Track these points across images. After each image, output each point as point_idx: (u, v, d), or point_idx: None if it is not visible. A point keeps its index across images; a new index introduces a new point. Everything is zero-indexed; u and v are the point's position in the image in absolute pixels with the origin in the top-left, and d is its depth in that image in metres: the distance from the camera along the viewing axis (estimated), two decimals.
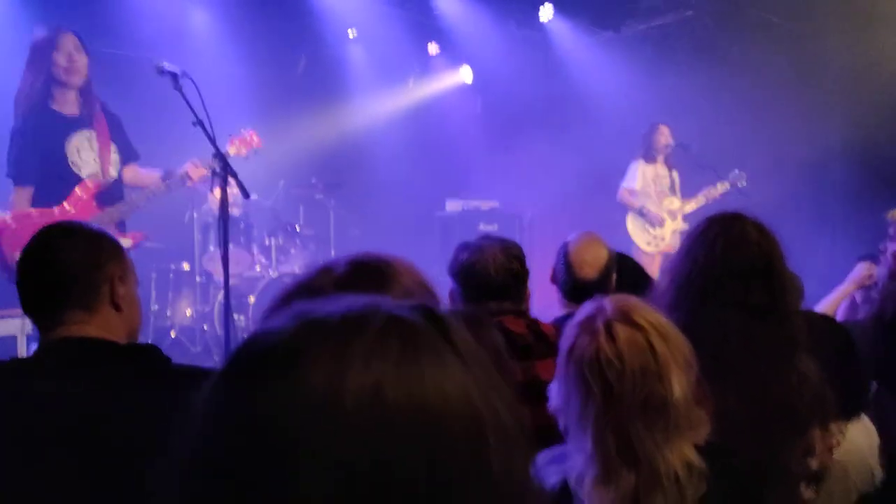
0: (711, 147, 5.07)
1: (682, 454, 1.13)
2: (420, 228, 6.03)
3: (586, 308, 1.20)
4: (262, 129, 3.72)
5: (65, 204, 3.12)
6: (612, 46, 5.91)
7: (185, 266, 5.00)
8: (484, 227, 5.53)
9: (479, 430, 0.42)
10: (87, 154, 3.18)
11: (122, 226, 3.27)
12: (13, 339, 3.47)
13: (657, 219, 4.97)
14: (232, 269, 2.91)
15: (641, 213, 4.98)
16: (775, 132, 4.97)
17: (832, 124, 5.13)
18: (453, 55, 6.48)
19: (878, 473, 1.56)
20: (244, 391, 0.42)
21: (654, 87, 5.54)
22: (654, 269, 4.49)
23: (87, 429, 1.13)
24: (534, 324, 1.74)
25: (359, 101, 6.28)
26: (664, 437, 1.12)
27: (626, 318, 1.14)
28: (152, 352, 1.26)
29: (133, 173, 3.40)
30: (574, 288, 2.03)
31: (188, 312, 4.99)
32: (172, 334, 4.85)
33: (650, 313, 1.16)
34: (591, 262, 2.05)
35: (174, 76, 2.86)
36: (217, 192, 2.91)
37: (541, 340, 1.66)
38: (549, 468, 1.20)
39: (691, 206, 5.05)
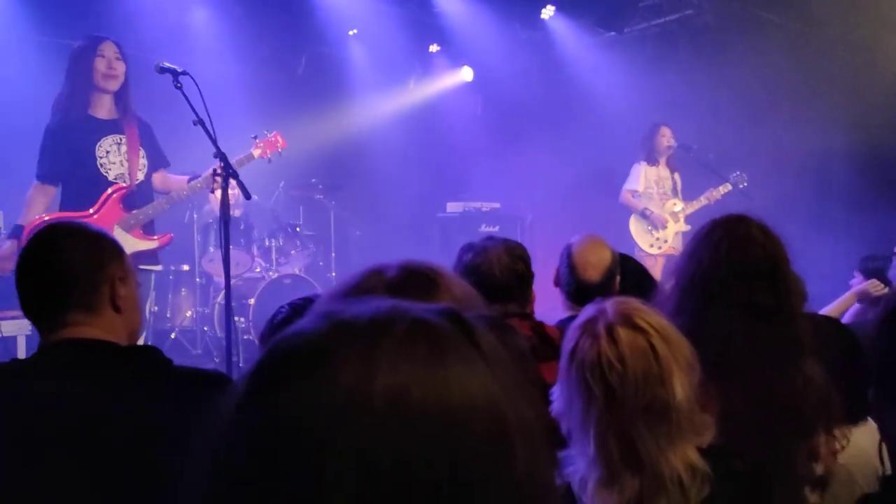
0: (713, 147, 5.06)
1: (685, 457, 1.12)
2: (421, 229, 6.02)
3: (588, 311, 1.19)
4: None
5: (91, 210, 3.19)
6: (613, 46, 5.91)
7: (185, 267, 4.99)
8: (485, 229, 5.52)
9: (503, 432, 0.43)
10: (115, 157, 3.25)
11: (147, 228, 3.31)
12: (13, 339, 3.46)
13: (660, 221, 4.96)
14: (232, 271, 2.90)
15: (644, 216, 4.97)
16: (777, 132, 4.97)
17: (834, 125, 5.12)
18: (454, 55, 6.47)
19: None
20: (272, 390, 0.43)
21: (655, 87, 5.54)
22: (656, 272, 4.48)
23: (87, 429, 1.12)
24: (538, 326, 1.73)
25: (359, 101, 6.27)
26: (667, 440, 1.11)
27: (628, 320, 1.13)
28: (153, 353, 1.26)
29: (162, 179, 3.47)
30: (578, 290, 2.02)
31: (188, 314, 4.98)
32: (172, 336, 4.85)
33: (651, 316, 1.15)
34: (595, 264, 2.04)
35: (175, 74, 2.86)
36: (218, 192, 2.90)
37: (545, 343, 1.65)
38: None
39: (693, 208, 5.04)
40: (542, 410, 0.50)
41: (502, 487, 0.42)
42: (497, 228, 5.51)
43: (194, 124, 2.81)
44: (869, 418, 1.57)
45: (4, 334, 3.41)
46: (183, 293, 5.01)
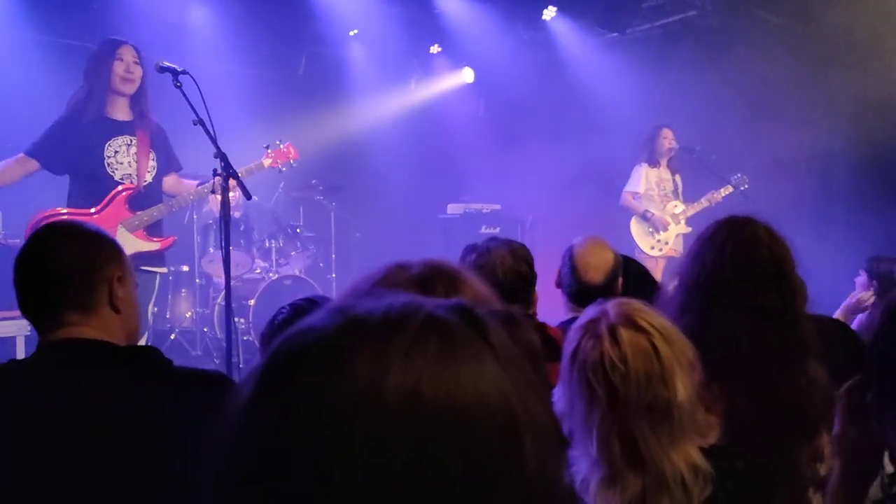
0: (715, 149, 5.06)
1: (687, 457, 1.12)
2: (422, 231, 6.01)
3: (589, 312, 1.19)
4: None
5: (97, 208, 3.21)
6: (615, 47, 5.90)
7: (185, 268, 4.98)
8: (486, 230, 5.52)
9: (513, 428, 0.43)
10: (123, 157, 3.27)
11: (152, 230, 3.32)
12: (12, 340, 3.45)
13: (662, 223, 4.95)
14: (232, 272, 2.89)
15: (645, 218, 4.96)
16: (779, 133, 4.96)
17: (837, 126, 5.12)
18: (455, 56, 6.46)
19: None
20: (286, 384, 0.43)
21: (657, 88, 5.53)
22: (657, 273, 4.47)
23: (87, 430, 1.12)
24: (541, 327, 1.72)
25: (360, 102, 6.26)
26: (669, 440, 1.12)
27: (630, 321, 1.13)
28: (153, 354, 1.25)
29: (174, 182, 3.50)
30: (580, 292, 2.02)
31: (188, 315, 4.96)
32: (172, 337, 4.83)
33: (653, 316, 1.16)
34: (597, 265, 2.03)
35: (174, 74, 2.86)
36: (218, 194, 2.89)
37: (548, 344, 1.63)
38: None
39: (694, 210, 5.03)
40: (552, 407, 0.50)
41: (513, 483, 0.42)
42: (498, 230, 5.50)
43: (194, 124, 2.81)
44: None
45: (3, 335, 3.39)
46: (183, 294, 5.00)
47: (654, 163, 5.02)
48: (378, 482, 0.39)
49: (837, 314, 2.83)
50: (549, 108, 6.26)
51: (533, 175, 6.12)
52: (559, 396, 1.18)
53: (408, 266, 0.73)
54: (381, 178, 6.25)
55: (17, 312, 1.31)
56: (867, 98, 4.81)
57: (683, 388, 1.11)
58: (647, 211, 4.95)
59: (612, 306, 1.16)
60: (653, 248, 4.99)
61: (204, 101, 2.80)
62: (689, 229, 4.95)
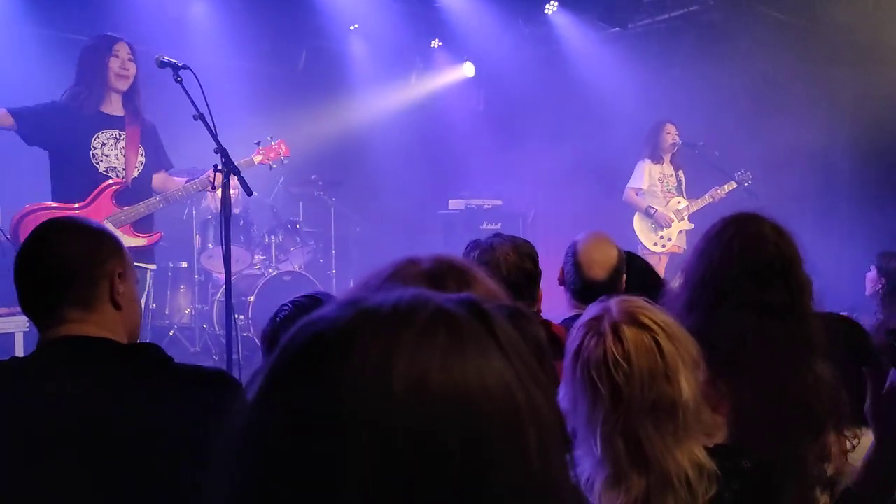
0: (718, 143, 5.04)
1: (692, 456, 1.11)
2: (422, 226, 6.00)
3: (592, 309, 1.18)
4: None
5: (83, 202, 3.20)
6: (617, 42, 5.87)
7: (184, 264, 4.96)
8: (487, 226, 5.50)
9: (516, 420, 0.44)
10: (109, 150, 3.27)
11: (140, 225, 3.32)
12: (11, 336, 3.43)
13: (665, 219, 4.93)
14: (231, 268, 2.88)
15: (648, 214, 4.95)
16: (782, 129, 4.94)
17: (839, 121, 5.11)
18: (456, 51, 6.44)
19: None
20: (298, 371, 0.45)
21: (659, 83, 5.51)
22: (660, 270, 4.45)
23: (87, 432, 1.11)
24: (545, 325, 1.70)
25: (360, 96, 6.24)
26: (674, 439, 1.11)
27: (633, 318, 1.12)
28: (153, 351, 1.24)
29: (163, 180, 3.49)
30: (583, 288, 2.00)
31: (187, 311, 4.95)
32: (171, 333, 4.82)
33: (656, 313, 1.14)
34: (601, 262, 2.02)
35: (175, 69, 2.84)
36: (218, 189, 2.87)
37: (552, 342, 1.62)
38: None
39: (697, 206, 5.01)
40: (556, 397, 0.53)
41: (516, 473, 0.44)
42: (499, 225, 5.48)
43: (195, 119, 2.79)
44: None
45: (2, 331, 3.38)
46: (182, 290, 4.99)
47: (657, 158, 5.00)
48: (384, 467, 0.41)
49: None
50: (550, 103, 6.24)
51: (534, 170, 6.11)
52: (562, 395, 1.17)
53: (418, 261, 0.73)
54: (382, 174, 6.24)
55: (17, 309, 1.30)
56: (870, 94, 4.80)
57: (688, 386, 1.10)
58: (650, 207, 4.94)
59: (614, 303, 1.15)
60: (656, 244, 4.97)
61: (204, 96, 2.78)
62: (693, 225, 4.93)
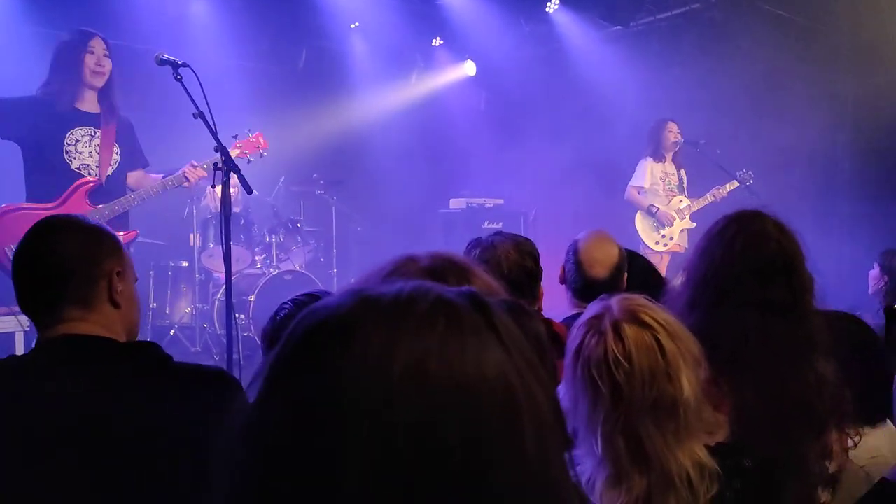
0: (719, 142, 5.03)
1: (693, 455, 1.11)
2: (423, 225, 5.99)
3: (592, 308, 1.18)
4: (262, 124, 3.69)
5: (56, 202, 3.18)
6: (618, 40, 5.86)
7: (184, 263, 4.96)
8: (488, 225, 5.49)
9: (512, 407, 0.45)
10: (83, 147, 3.25)
11: (114, 223, 3.29)
12: (11, 336, 3.43)
13: (667, 218, 4.92)
14: (232, 267, 2.87)
15: (650, 213, 4.94)
16: (783, 127, 4.93)
17: (841, 119, 5.09)
18: (457, 49, 6.43)
19: None
20: (302, 358, 0.46)
21: (661, 81, 5.50)
22: (661, 269, 4.44)
23: (86, 431, 1.10)
24: (546, 323, 1.69)
25: (361, 95, 6.23)
26: (675, 438, 1.10)
27: (634, 317, 1.12)
28: (153, 349, 1.23)
29: (139, 178, 3.47)
30: (585, 287, 1.99)
31: (187, 311, 4.94)
32: (171, 333, 4.82)
33: (657, 312, 1.14)
34: (602, 260, 2.01)
35: (175, 67, 2.83)
36: (218, 188, 2.87)
37: (553, 341, 1.61)
38: None
39: (699, 205, 5.00)
40: (555, 391, 0.54)
41: (513, 462, 0.44)
42: (500, 224, 5.47)
43: (195, 117, 2.79)
44: (888, 420, 1.54)
45: (1, 331, 3.38)
46: (182, 289, 4.98)
47: (659, 157, 4.99)
48: (384, 456, 0.42)
49: None
50: (551, 101, 6.23)
51: (535, 169, 6.09)
52: (563, 394, 1.17)
53: (417, 258, 0.73)
54: (383, 173, 6.23)
55: (16, 308, 1.29)
56: (872, 92, 4.79)
57: (689, 384, 1.09)
58: (652, 206, 4.93)
59: (615, 302, 1.15)
60: (657, 243, 4.96)
61: (204, 94, 2.77)
62: (694, 224, 4.93)
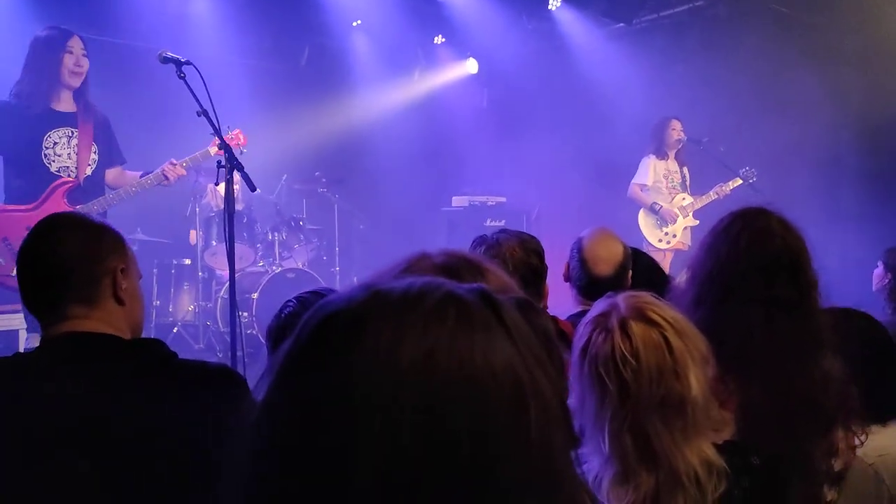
0: (723, 139, 5.02)
1: (701, 453, 1.10)
2: (426, 223, 5.98)
3: (599, 305, 1.17)
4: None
5: (35, 203, 3.15)
6: (622, 38, 5.84)
7: (187, 261, 4.96)
8: (491, 223, 5.49)
9: (521, 403, 0.46)
10: (62, 149, 3.22)
11: None
12: (15, 333, 3.44)
13: (670, 216, 4.91)
14: (235, 265, 2.87)
15: (653, 210, 4.93)
16: (787, 124, 4.91)
17: (845, 116, 5.07)
18: (459, 47, 6.42)
19: None
20: (313, 352, 0.47)
21: (664, 78, 5.48)
22: (664, 266, 4.43)
23: (90, 428, 1.10)
24: (553, 321, 1.68)
25: (363, 93, 6.23)
26: (683, 436, 1.09)
27: (641, 314, 1.11)
28: (157, 347, 1.23)
29: (117, 176, 3.45)
30: (589, 285, 1.99)
31: (190, 308, 4.95)
32: (175, 331, 4.82)
33: (665, 309, 1.13)
34: (607, 258, 2.01)
35: (178, 64, 2.82)
36: (221, 185, 2.86)
37: (560, 339, 1.60)
38: None
39: (702, 203, 4.99)
40: (563, 387, 0.55)
41: (520, 453, 0.45)
42: (503, 222, 5.47)
43: (198, 115, 2.78)
44: None
45: (5, 329, 3.39)
46: (185, 288, 4.99)
47: (662, 154, 4.98)
48: (394, 444, 0.43)
49: None
50: (554, 99, 6.21)
51: (538, 167, 6.08)
52: (570, 392, 1.17)
53: (432, 256, 0.73)
54: (385, 171, 6.22)
55: (20, 306, 1.29)
56: (877, 89, 4.77)
57: (697, 382, 1.09)
58: (655, 203, 4.92)
59: (622, 299, 1.14)
60: (660, 240, 4.95)
61: (208, 92, 2.77)
62: (697, 222, 4.92)
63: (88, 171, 3.27)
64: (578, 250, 2.05)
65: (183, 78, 2.81)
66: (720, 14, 5.34)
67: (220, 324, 4.74)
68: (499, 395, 0.45)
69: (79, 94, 3.26)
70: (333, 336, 0.46)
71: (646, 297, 1.15)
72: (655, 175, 4.97)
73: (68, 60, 3.17)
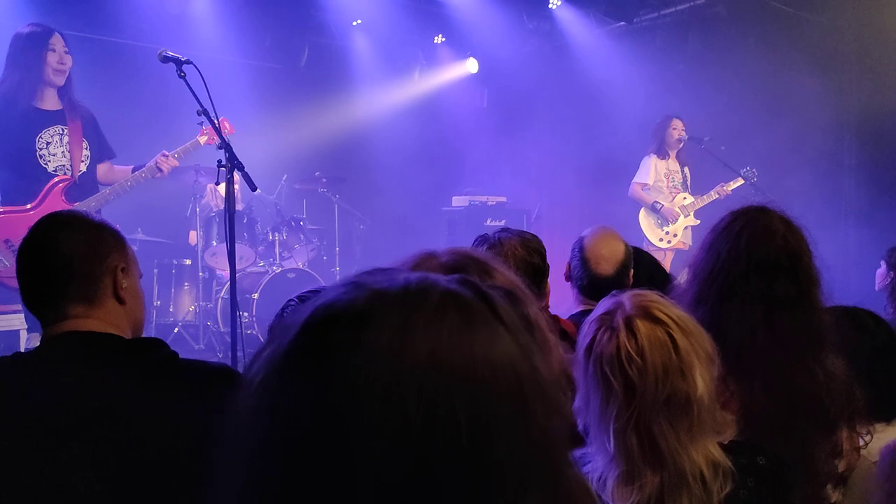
0: (724, 139, 5.01)
1: (706, 453, 1.10)
2: (426, 223, 5.98)
3: (604, 304, 1.16)
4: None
5: (33, 203, 3.16)
6: (622, 37, 5.84)
7: (188, 261, 4.96)
8: (491, 223, 5.49)
9: (521, 395, 0.47)
10: (55, 148, 3.22)
11: None
12: (16, 333, 3.43)
13: (671, 215, 4.91)
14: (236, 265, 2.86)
15: (654, 209, 4.92)
16: (789, 123, 4.91)
17: (846, 116, 5.07)
18: (459, 46, 6.41)
19: None
20: (316, 351, 0.47)
21: (665, 77, 5.48)
22: (665, 266, 4.43)
23: (90, 426, 1.09)
24: (554, 320, 1.68)
25: (363, 92, 6.23)
26: (688, 435, 1.09)
27: (647, 313, 1.11)
28: (159, 346, 1.22)
29: (107, 170, 3.44)
30: (591, 284, 1.98)
31: (191, 308, 4.94)
32: (175, 331, 4.82)
33: (670, 308, 1.13)
34: (608, 257, 2.00)
35: (178, 64, 2.82)
36: (221, 185, 2.86)
37: (563, 338, 1.60)
38: None
39: (703, 202, 4.99)
40: (558, 375, 0.58)
41: (520, 442, 0.46)
42: (503, 222, 5.46)
43: (198, 114, 2.78)
44: None
45: (6, 329, 3.38)
46: (186, 288, 4.98)
47: (662, 154, 4.97)
48: (398, 439, 0.43)
49: None
50: (554, 98, 6.21)
51: (538, 166, 6.08)
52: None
53: (437, 254, 0.74)
54: (385, 170, 6.22)
55: (20, 306, 1.29)
56: (878, 89, 4.76)
57: (702, 381, 1.08)
58: (656, 202, 4.91)
59: (627, 298, 1.14)
60: (661, 240, 4.95)
61: (208, 91, 2.77)
62: (698, 221, 4.91)
63: (83, 168, 3.27)
64: (580, 249, 2.04)
65: (183, 77, 2.81)
66: (721, 13, 5.33)
67: (220, 324, 4.74)
68: (499, 387, 0.46)
69: (63, 92, 3.24)
70: (337, 336, 0.46)
71: (651, 295, 1.14)
72: (656, 174, 4.96)
73: (52, 58, 3.15)
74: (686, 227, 4.98)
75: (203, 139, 3.57)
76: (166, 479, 1.08)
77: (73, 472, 1.07)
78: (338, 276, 5.49)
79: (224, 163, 2.80)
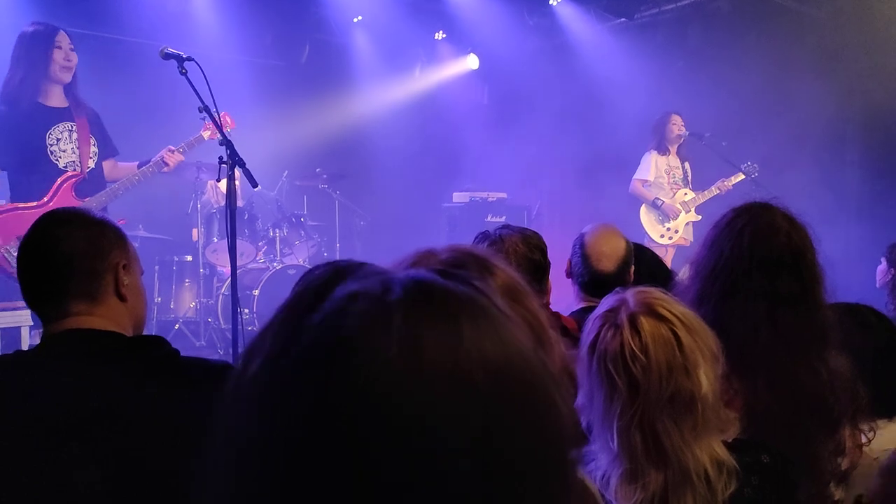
0: (725, 134, 5.00)
1: (711, 451, 1.09)
2: (426, 219, 5.98)
3: (608, 301, 1.16)
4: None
5: (44, 199, 3.17)
6: (623, 33, 5.82)
7: (188, 258, 4.96)
8: (491, 219, 5.48)
9: (531, 394, 0.46)
10: (65, 144, 3.24)
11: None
12: (17, 331, 3.43)
13: (672, 211, 4.90)
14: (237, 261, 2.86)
15: (656, 206, 4.91)
16: (790, 119, 4.90)
17: (848, 112, 5.06)
18: (460, 43, 6.40)
19: None
20: (322, 362, 0.46)
21: (665, 73, 5.46)
22: (667, 262, 4.42)
23: (91, 424, 1.09)
24: (555, 317, 1.68)
25: (364, 89, 6.22)
26: (692, 433, 1.08)
27: (651, 310, 1.10)
28: (160, 344, 1.22)
29: (111, 167, 3.46)
30: (592, 281, 1.98)
31: (192, 305, 4.94)
32: (176, 327, 4.82)
33: (675, 305, 1.12)
34: (610, 254, 1.99)
35: (179, 60, 2.82)
36: (222, 182, 2.85)
37: (564, 335, 1.60)
38: None
39: (704, 198, 4.98)
40: (558, 368, 0.57)
41: (529, 437, 0.45)
42: (503, 218, 5.46)
43: (200, 111, 2.78)
44: None
45: (7, 326, 3.38)
46: (186, 284, 4.98)
47: (663, 150, 4.96)
48: (398, 437, 0.43)
49: None
50: (555, 94, 6.20)
51: (539, 163, 6.08)
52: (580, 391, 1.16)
53: (437, 252, 0.73)
54: (386, 167, 6.21)
55: (22, 303, 1.28)
56: (880, 84, 4.75)
57: (706, 378, 1.08)
58: (657, 199, 4.90)
59: (631, 295, 1.13)
60: (662, 236, 4.94)
61: (209, 88, 2.76)
62: (700, 217, 4.90)
63: (91, 164, 3.29)
64: (581, 246, 2.04)
65: (185, 74, 2.81)
66: (722, 8, 5.32)
67: (221, 320, 4.74)
68: (506, 388, 0.45)
69: (69, 89, 3.26)
70: (342, 343, 0.45)
71: (655, 292, 1.13)
72: (657, 170, 4.95)
73: (58, 56, 3.16)
74: (687, 224, 4.97)
75: (206, 133, 3.59)
76: (167, 478, 1.07)
77: (73, 472, 1.07)
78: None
79: (225, 159, 2.79)
